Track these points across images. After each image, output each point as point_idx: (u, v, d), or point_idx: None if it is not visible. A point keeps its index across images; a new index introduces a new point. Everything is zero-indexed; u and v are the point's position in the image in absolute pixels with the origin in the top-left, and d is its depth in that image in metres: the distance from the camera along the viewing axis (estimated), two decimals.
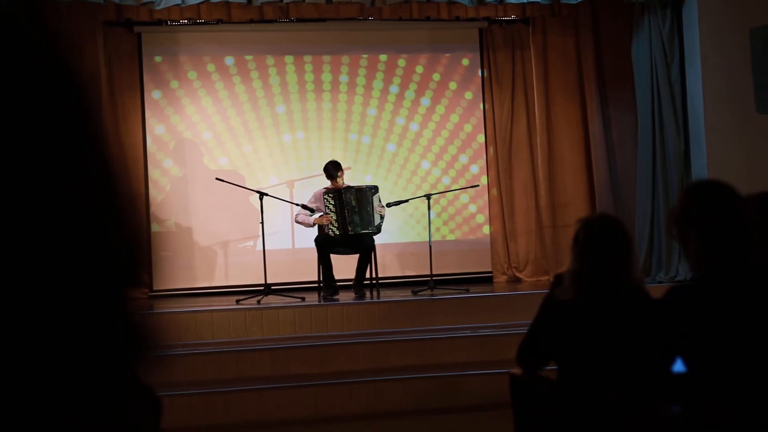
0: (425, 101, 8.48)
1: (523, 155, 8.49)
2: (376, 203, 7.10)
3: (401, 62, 8.47)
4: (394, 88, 8.43)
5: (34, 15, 0.63)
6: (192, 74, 8.15)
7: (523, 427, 3.12)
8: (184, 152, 8.15)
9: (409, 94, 8.46)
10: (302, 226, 7.29)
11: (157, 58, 8.12)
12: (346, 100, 8.37)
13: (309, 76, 8.33)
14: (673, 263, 7.57)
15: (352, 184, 7.29)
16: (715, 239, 2.32)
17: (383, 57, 8.43)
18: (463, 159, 8.53)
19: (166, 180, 8.10)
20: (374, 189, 7.20)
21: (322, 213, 7.10)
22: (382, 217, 7.17)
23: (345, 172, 7.78)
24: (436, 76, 8.50)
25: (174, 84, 8.12)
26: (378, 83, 8.42)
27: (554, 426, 2.90)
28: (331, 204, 7.00)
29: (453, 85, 8.52)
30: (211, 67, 8.17)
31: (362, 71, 8.40)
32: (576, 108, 8.37)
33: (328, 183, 7.26)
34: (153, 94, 8.09)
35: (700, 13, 7.45)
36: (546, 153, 8.33)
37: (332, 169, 7.14)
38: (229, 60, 8.21)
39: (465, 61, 8.56)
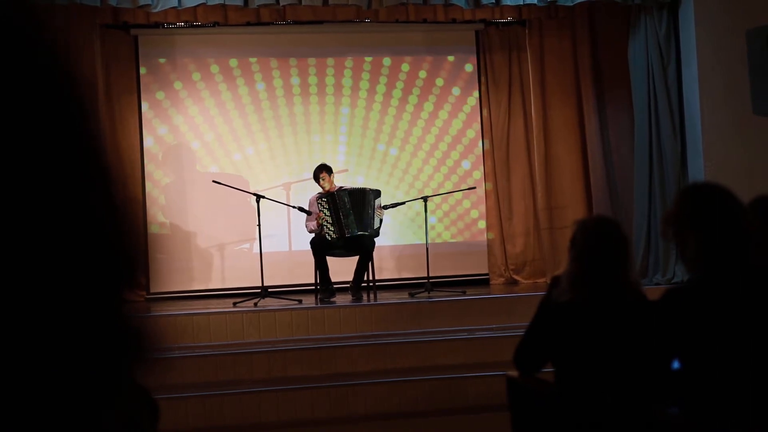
0: (427, 105, 8.46)
1: (520, 157, 8.48)
2: (377, 206, 7.07)
3: (404, 67, 8.44)
4: (395, 92, 8.40)
5: (31, 18, 0.63)
6: (192, 76, 8.13)
7: (521, 429, 3.12)
8: (181, 155, 8.14)
9: (411, 97, 8.42)
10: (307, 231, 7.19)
11: (155, 61, 8.11)
12: (333, 102, 8.35)
13: (313, 79, 8.31)
14: (670, 265, 7.56)
15: (346, 186, 7.27)
16: (712, 241, 2.32)
17: (387, 61, 8.40)
18: (464, 164, 8.50)
19: (163, 182, 8.09)
20: (377, 192, 7.17)
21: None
22: (381, 221, 7.14)
23: (343, 174, 7.77)
24: (439, 81, 8.48)
25: (171, 86, 8.11)
26: (374, 85, 8.40)
27: (552, 428, 2.90)
28: (326, 208, 6.94)
29: (455, 90, 8.50)
30: (213, 69, 8.17)
31: (348, 72, 8.39)
32: (573, 110, 8.37)
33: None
34: (150, 97, 8.07)
35: (696, 15, 7.45)
36: (543, 155, 8.33)
37: (318, 172, 7.09)
38: (228, 63, 8.20)
39: (468, 67, 8.54)
